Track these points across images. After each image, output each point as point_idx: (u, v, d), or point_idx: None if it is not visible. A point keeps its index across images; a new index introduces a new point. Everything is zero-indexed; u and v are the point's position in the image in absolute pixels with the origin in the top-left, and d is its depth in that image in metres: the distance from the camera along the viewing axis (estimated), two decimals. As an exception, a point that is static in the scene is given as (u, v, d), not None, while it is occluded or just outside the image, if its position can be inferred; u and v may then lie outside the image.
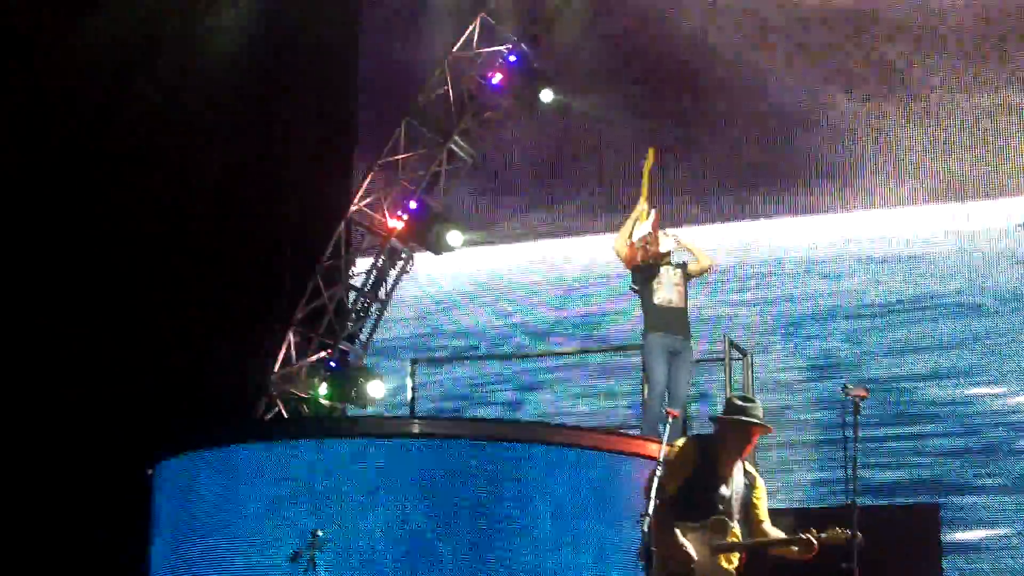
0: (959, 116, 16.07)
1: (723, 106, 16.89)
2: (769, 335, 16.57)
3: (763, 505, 8.96)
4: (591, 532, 11.25)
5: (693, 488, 8.74)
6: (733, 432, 8.85)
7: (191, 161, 16.74)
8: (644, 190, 13.00)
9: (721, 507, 8.75)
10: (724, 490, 8.78)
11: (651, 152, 13.14)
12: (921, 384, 15.87)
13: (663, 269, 12.73)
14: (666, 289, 12.71)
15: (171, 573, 11.92)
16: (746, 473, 8.94)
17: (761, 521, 8.91)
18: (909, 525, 12.51)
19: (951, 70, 16.09)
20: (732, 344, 13.44)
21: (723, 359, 13.38)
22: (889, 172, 16.36)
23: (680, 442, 9.10)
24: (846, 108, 16.46)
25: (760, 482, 9.00)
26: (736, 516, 8.81)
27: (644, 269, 12.75)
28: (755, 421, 8.85)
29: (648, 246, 12.74)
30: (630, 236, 12.83)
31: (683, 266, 12.86)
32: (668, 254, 12.80)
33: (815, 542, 8.51)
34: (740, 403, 8.92)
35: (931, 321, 16.19)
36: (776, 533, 8.86)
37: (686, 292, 12.79)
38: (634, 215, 12.95)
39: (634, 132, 16.89)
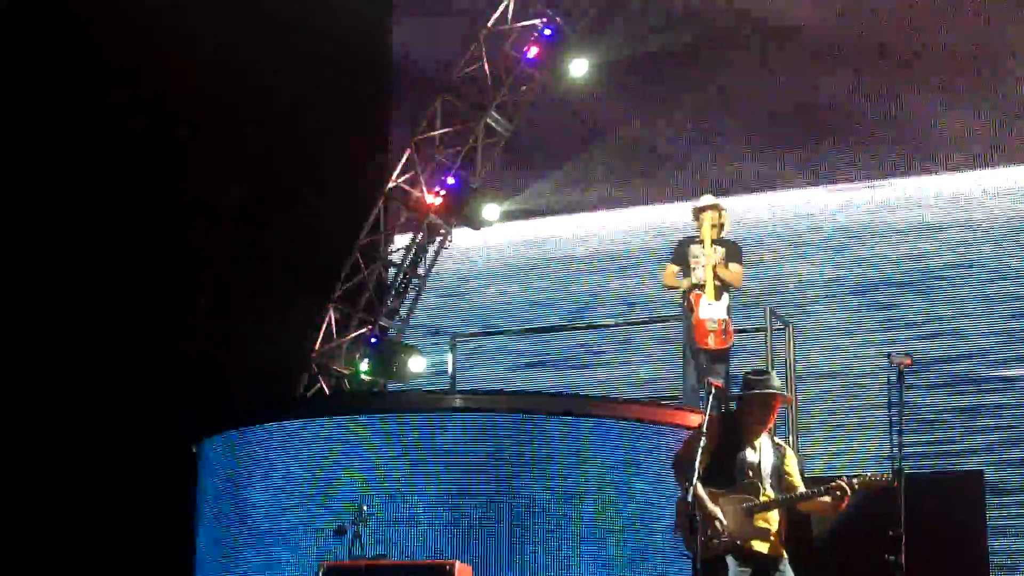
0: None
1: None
2: (813, 302, 16.54)
3: (795, 472, 9.13)
4: (626, 502, 11.27)
5: (722, 460, 8.88)
6: (752, 406, 9.03)
7: (231, 138, 16.77)
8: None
9: (751, 474, 8.87)
10: (752, 459, 8.95)
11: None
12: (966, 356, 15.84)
13: (699, 247, 12.69)
14: (703, 268, 12.68)
15: (216, 550, 11.98)
16: (775, 445, 9.12)
17: (795, 488, 9.01)
18: (954, 492, 12.47)
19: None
20: (773, 314, 13.40)
21: (764, 330, 13.34)
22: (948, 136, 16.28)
23: (704, 420, 9.14)
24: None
25: (790, 452, 9.22)
26: (768, 482, 8.92)
27: (679, 255, 12.75)
28: (770, 391, 8.99)
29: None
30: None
31: (728, 248, 12.78)
32: (717, 227, 12.75)
33: (847, 489, 8.59)
34: (754, 377, 9.13)
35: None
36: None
37: (724, 266, 12.73)
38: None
39: (668, 100, 16.90)
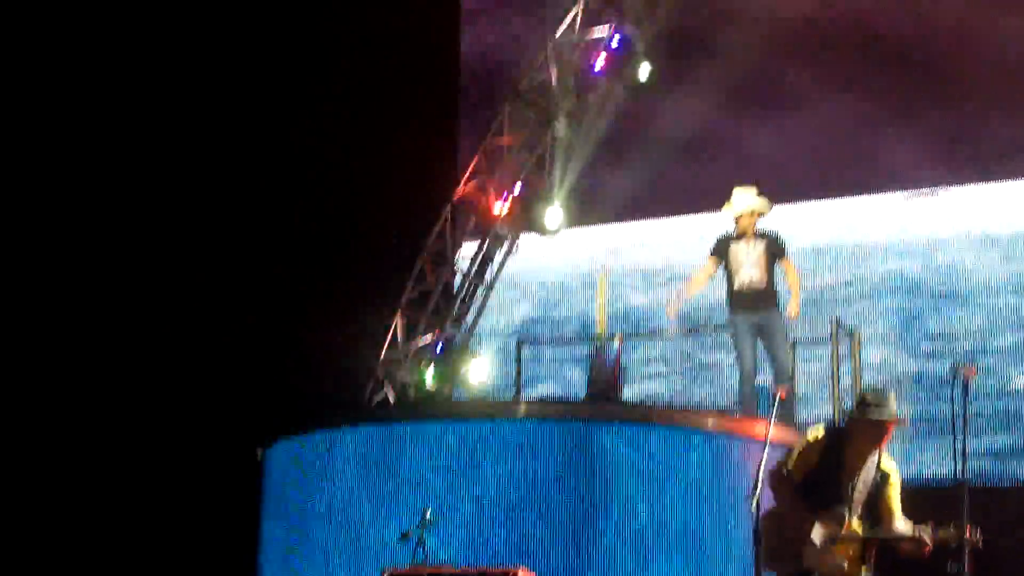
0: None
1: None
2: (878, 312, 16.44)
3: (895, 501, 8.88)
4: (692, 511, 11.24)
5: (817, 480, 8.72)
6: (866, 429, 8.79)
7: (298, 149, 16.89)
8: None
9: (843, 500, 8.72)
10: (849, 484, 8.74)
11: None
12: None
13: (740, 246, 12.63)
14: (745, 269, 12.61)
15: (281, 554, 12.05)
16: (879, 468, 8.88)
17: (891, 514, 8.83)
18: (1020, 504, 12.39)
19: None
20: (839, 324, 13.33)
21: (829, 339, 13.27)
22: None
23: (812, 432, 9.04)
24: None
25: (895, 478, 8.91)
26: (859, 508, 8.76)
27: (717, 258, 12.71)
28: (887, 418, 8.80)
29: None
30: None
31: (770, 240, 12.72)
32: (752, 226, 12.70)
33: (928, 543, 8.47)
34: (873, 399, 8.84)
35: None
36: (903, 528, 8.78)
37: (769, 269, 12.66)
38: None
39: (736, 110, 16.86)
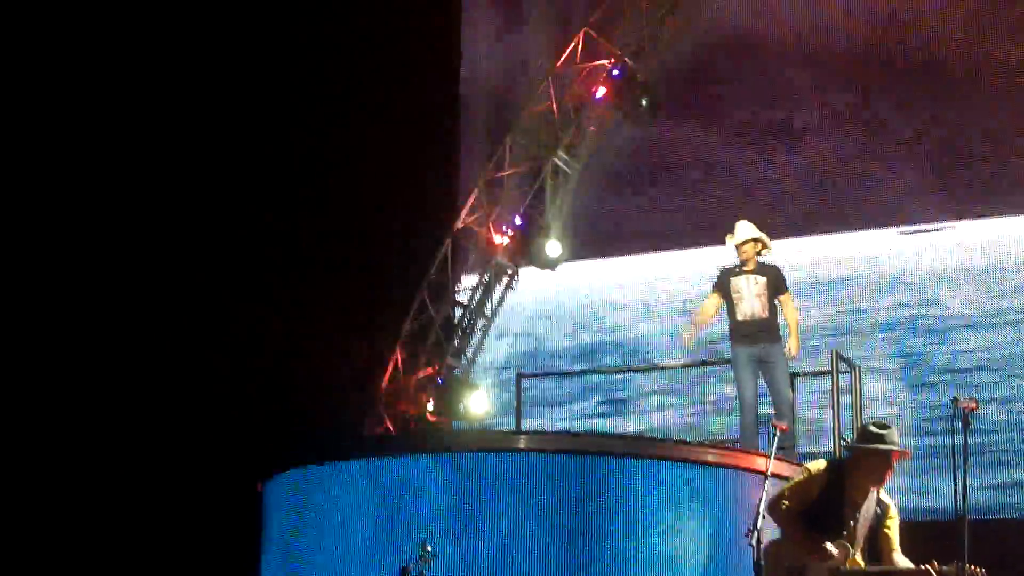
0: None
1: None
2: (875, 344, 16.44)
3: (894, 534, 8.85)
4: (691, 545, 11.21)
5: (818, 512, 8.68)
6: (869, 461, 8.75)
7: (299, 183, 16.92)
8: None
9: (845, 533, 8.68)
10: (850, 517, 8.70)
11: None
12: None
13: (742, 280, 12.63)
14: (747, 302, 12.60)
15: (282, 587, 12.04)
16: (879, 501, 8.85)
17: (892, 550, 8.80)
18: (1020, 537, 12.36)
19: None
20: (840, 357, 13.32)
21: (831, 373, 13.26)
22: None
23: (814, 464, 9.01)
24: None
25: (894, 510, 8.88)
26: (860, 543, 8.72)
27: (719, 290, 12.72)
28: (893, 448, 8.77)
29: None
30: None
31: (771, 274, 12.73)
32: (752, 259, 12.71)
33: (934, 575, 8.44)
34: (876, 431, 8.80)
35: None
36: (903, 563, 8.75)
37: (770, 302, 12.68)
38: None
39: (734, 142, 16.89)
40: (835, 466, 8.96)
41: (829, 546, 8.55)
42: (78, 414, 15.98)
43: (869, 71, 16.86)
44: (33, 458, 15.68)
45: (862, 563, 8.70)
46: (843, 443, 9.75)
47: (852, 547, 8.67)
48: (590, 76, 16.49)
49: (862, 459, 8.77)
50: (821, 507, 8.68)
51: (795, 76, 17.06)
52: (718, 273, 12.94)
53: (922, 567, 8.49)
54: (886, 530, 8.81)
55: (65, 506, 15.75)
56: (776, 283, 12.69)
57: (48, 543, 15.43)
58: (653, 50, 16.54)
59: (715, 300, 12.86)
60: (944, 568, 8.39)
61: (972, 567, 8.28)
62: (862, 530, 8.73)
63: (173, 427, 16.04)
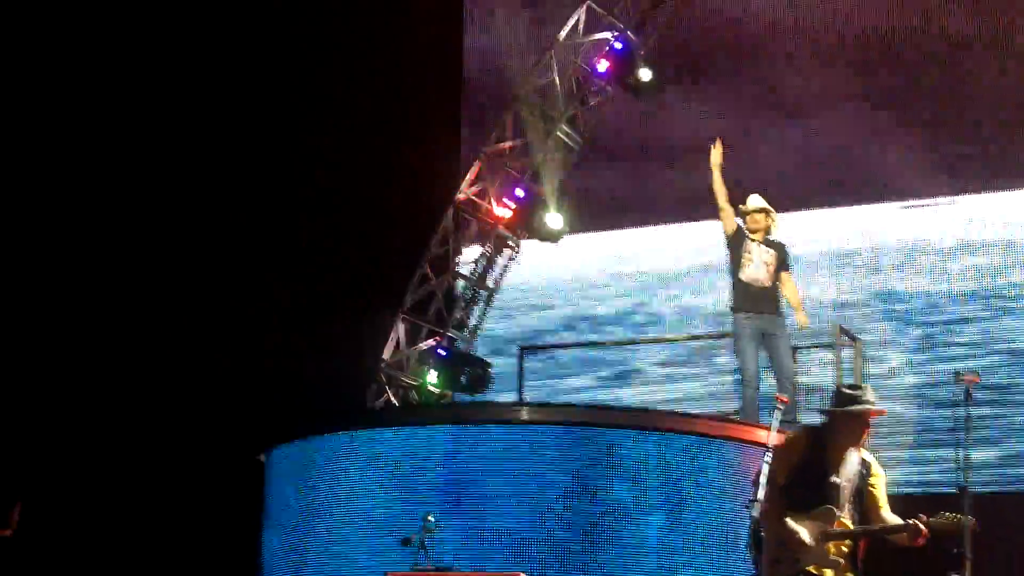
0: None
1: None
2: (878, 320, 16.46)
3: (880, 492, 8.84)
4: (697, 517, 11.26)
5: (802, 479, 8.67)
6: (847, 423, 8.77)
7: (302, 154, 16.91)
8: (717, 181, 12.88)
9: (830, 496, 8.71)
10: (834, 479, 8.71)
11: (718, 144, 12.99)
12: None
13: (754, 245, 12.65)
14: (754, 267, 12.60)
15: (283, 559, 12.06)
16: (862, 461, 8.84)
17: (879, 508, 8.81)
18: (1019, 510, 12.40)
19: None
20: (843, 330, 13.34)
21: (832, 345, 13.28)
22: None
23: (791, 434, 9.07)
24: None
25: (877, 468, 8.87)
26: (847, 505, 8.74)
27: (733, 240, 12.71)
28: (868, 407, 8.81)
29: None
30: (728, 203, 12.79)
31: (779, 250, 12.75)
32: (762, 230, 12.72)
33: (923, 528, 8.46)
34: (850, 392, 8.82)
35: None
36: (892, 519, 8.75)
37: (776, 274, 12.70)
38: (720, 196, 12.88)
39: (735, 119, 16.91)
40: (813, 431, 8.98)
41: (804, 535, 8.59)
42: (80, 385, 16.00)
43: (870, 45, 16.87)
44: (35, 429, 15.71)
45: (850, 524, 8.72)
46: (818, 409, 9.79)
47: (839, 509, 8.69)
48: (592, 49, 16.47)
49: (840, 422, 8.78)
50: (804, 474, 8.67)
51: (796, 51, 17.05)
52: (736, 228, 12.86)
53: (910, 521, 8.52)
54: (871, 489, 8.79)
55: (67, 477, 15.79)
56: (783, 258, 12.73)
57: (52, 516, 15.47)
58: (656, 24, 16.52)
59: (729, 210, 12.78)
60: (932, 520, 8.44)
61: (957, 516, 8.34)
62: (847, 491, 8.74)
63: (175, 399, 16.06)
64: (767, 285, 12.60)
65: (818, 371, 14.33)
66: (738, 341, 12.65)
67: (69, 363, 15.97)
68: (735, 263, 12.66)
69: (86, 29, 16.26)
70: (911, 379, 15.98)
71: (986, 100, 16.24)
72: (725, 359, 15.87)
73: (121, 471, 15.93)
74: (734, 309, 12.71)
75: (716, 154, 12.79)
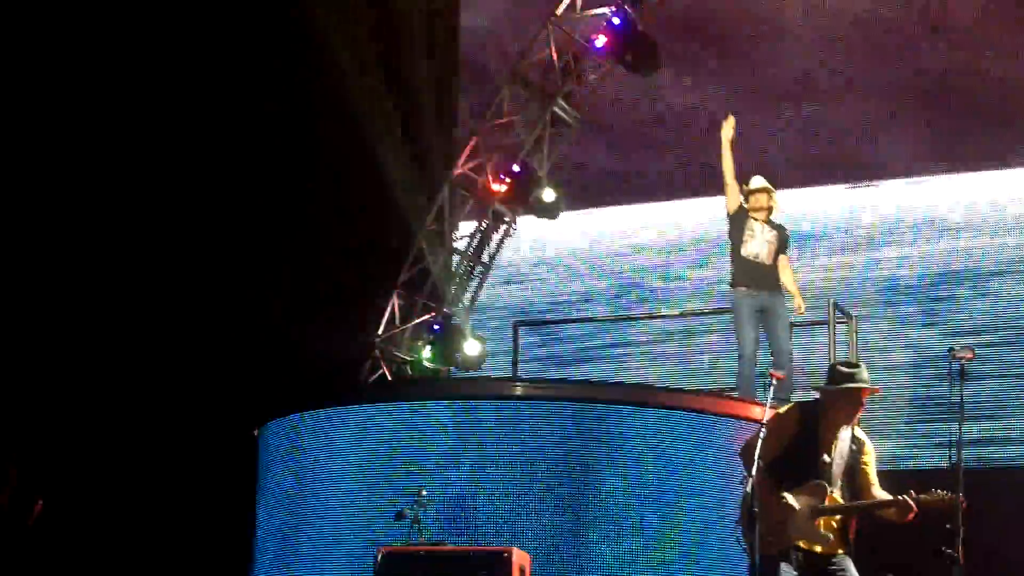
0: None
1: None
2: (874, 296, 16.46)
3: (871, 469, 8.88)
4: (689, 493, 11.25)
5: (793, 455, 8.71)
6: (841, 400, 8.81)
7: (295, 129, 16.88)
8: (726, 156, 12.85)
9: (821, 473, 8.72)
10: (825, 456, 8.74)
11: (730, 119, 12.97)
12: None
13: (757, 224, 12.65)
14: (756, 243, 12.62)
15: (276, 534, 12.06)
16: (854, 438, 8.88)
17: (870, 485, 8.84)
18: (1015, 487, 12.38)
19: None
20: (837, 307, 13.33)
21: (827, 322, 13.28)
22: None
23: (783, 409, 9.08)
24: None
25: (869, 446, 8.93)
26: (838, 481, 8.76)
27: (735, 217, 12.71)
28: (863, 385, 8.81)
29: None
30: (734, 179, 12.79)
31: (780, 231, 12.76)
32: (765, 210, 12.72)
33: (912, 505, 8.48)
34: (845, 370, 8.87)
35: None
36: (883, 496, 8.79)
37: (775, 255, 12.69)
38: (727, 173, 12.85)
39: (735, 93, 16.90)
40: (805, 407, 9.02)
41: (792, 500, 8.60)
42: (73, 364, 15.98)
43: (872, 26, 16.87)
44: (27, 407, 15.70)
45: (840, 500, 8.74)
46: (813, 386, 9.82)
47: (830, 485, 8.71)
48: (590, 24, 16.41)
49: (833, 399, 8.82)
50: (797, 449, 8.72)
51: (801, 32, 17.04)
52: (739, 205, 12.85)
53: (900, 497, 8.54)
54: (863, 466, 8.85)
55: (61, 456, 15.78)
56: (783, 240, 12.74)
57: (46, 496, 15.46)
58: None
59: (735, 185, 12.79)
60: (921, 496, 8.46)
61: (948, 492, 8.36)
62: (839, 468, 8.77)
63: (168, 375, 16.04)
64: (768, 263, 12.62)
65: (814, 349, 14.34)
66: (737, 319, 12.66)
67: (62, 338, 15.95)
68: (736, 239, 12.67)
69: (83, 20, 16.23)
70: (904, 355, 15.98)
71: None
72: (717, 336, 15.89)
73: (115, 449, 15.92)
74: (733, 284, 12.72)
75: (728, 128, 12.80)
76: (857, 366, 8.96)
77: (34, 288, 15.82)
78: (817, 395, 8.99)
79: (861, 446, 8.88)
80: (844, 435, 8.84)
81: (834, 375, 8.88)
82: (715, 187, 13.18)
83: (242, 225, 16.55)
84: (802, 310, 12.78)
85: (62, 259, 15.93)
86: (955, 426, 8.45)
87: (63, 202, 15.90)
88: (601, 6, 16.26)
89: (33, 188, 15.80)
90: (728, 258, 12.92)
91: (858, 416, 8.93)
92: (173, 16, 16.27)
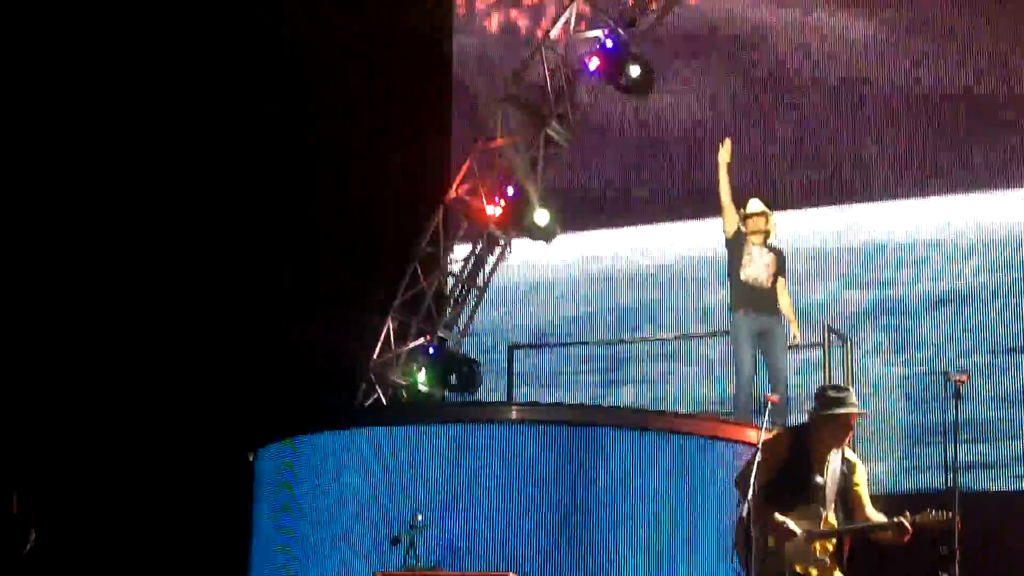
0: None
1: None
2: (867, 319, 16.44)
3: (863, 490, 8.92)
4: (684, 517, 11.25)
5: (786, 479, 8.73)
6: (831, 424, 8.83)
7: (290, 151, 16.89)
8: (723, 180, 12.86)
9: (814, 497, 8.73)
10: (818, 479, 8.76)
11: (727, 143, 12.99)
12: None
13: (755, 248, 12.65)
14: (755, 267, 12.62)
15: (271, 558, 12.04)
16: (844, 460, 8.90)
17: (863, 506, 8.86)
18: (1010, 511, 12.39)
19: None
20: (831, 330, 13.33)
21: (821, 345, 13.28)
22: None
23: (773, 434, 9.10)
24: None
25: (860, 467, 8.96)
26: (831, 504, 8.78)
27: (733, 241, 12.71)
28: (851, 410, 8.83)
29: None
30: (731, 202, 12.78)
31: (778, 255, 12.76)
32: (762, 233, 12.72)
33: (908, 526, 8.49)
34: (834, 394, 8.91)
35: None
36: (877, 517, 8.81)
37: (773, 278, 12.70)
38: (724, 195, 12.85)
39: (732, 115, 16.89)
40: (796, 431, 9.06)
41: (791, 525, 8.61)
42: (69, 383, 15.97)
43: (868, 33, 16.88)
44: (25, 422, 15.67)
45: (835, 523, 8.76)
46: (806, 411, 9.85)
47: (824, 508, 8.72)
48: (583, 46, 16.42)
49: (822, 424, 8.85)
50: (789, 474, 8.73)
51: (795, 48, 17.05)
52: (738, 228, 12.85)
53: (895, 519, 8.55)
54: (855, 487, 8.88)
55: (56, 474, 15.75)
56: (781, 265, 12.75)
57: (41, 514, 15.42)
58: (647, 21, 16.47)
59: (733, 209, 12.78)
60: (917, 518, 8.47)
61: (943, 514, 8.37)
62: (831, 491, 8.79)
63: (164, 398, 16.02)
64: (766, 287, 12.62)
65: (808, 372, 14.33)
66: (735, 342, 12.66)
67: (59, 359, 15.94)
68: (735, 263, 12.67)
69: (83, 21, 16.25)
70: (899, 378, 15.96)
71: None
72: (712, 359, 15.89)
73: (111, 471, 15.90)
74: (732, 308, 12.72)
75: (724, 152, 12.82)
76: (846, 390, 9.02)
77: (32, 298, 15.83)
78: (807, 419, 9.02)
79: (852, 467, 8.91)
80: (835, 457, 8.87)
81: (823, 400, 8.90)
82: (711, 210, 13.17)
83: (239, 249, 16.56)
84: (798, 337, 12.80)
85: (63, 262, 15.94)
86: (950, 448, 8.45)
87: (63, 201, 15.93)
88: (594, 29, 16.28)
89: (34, 187, 15.82)
90: (723, 281, 12.92)
91: (848, 438, 8.95)
92: (173, 16, 16.29)
